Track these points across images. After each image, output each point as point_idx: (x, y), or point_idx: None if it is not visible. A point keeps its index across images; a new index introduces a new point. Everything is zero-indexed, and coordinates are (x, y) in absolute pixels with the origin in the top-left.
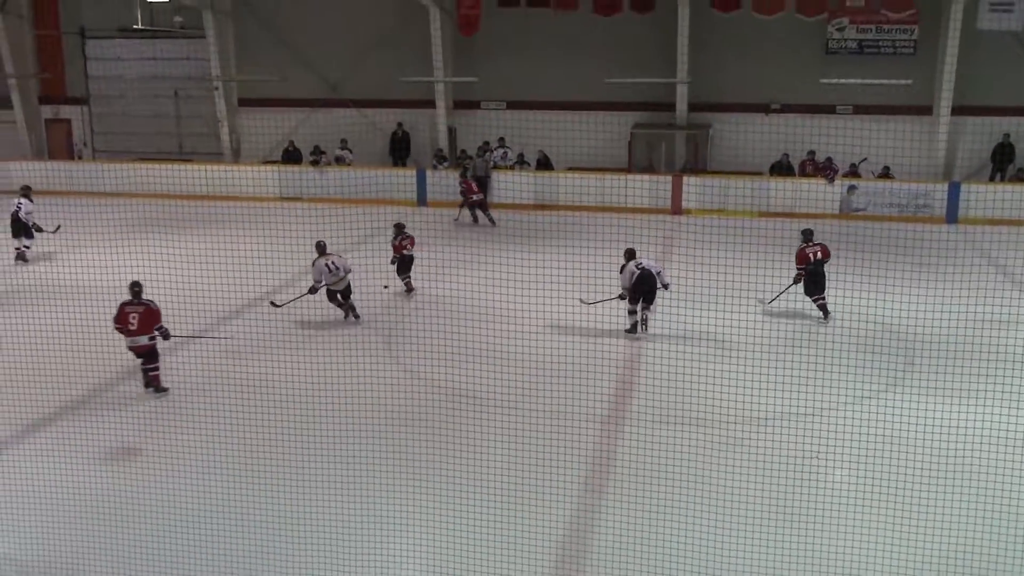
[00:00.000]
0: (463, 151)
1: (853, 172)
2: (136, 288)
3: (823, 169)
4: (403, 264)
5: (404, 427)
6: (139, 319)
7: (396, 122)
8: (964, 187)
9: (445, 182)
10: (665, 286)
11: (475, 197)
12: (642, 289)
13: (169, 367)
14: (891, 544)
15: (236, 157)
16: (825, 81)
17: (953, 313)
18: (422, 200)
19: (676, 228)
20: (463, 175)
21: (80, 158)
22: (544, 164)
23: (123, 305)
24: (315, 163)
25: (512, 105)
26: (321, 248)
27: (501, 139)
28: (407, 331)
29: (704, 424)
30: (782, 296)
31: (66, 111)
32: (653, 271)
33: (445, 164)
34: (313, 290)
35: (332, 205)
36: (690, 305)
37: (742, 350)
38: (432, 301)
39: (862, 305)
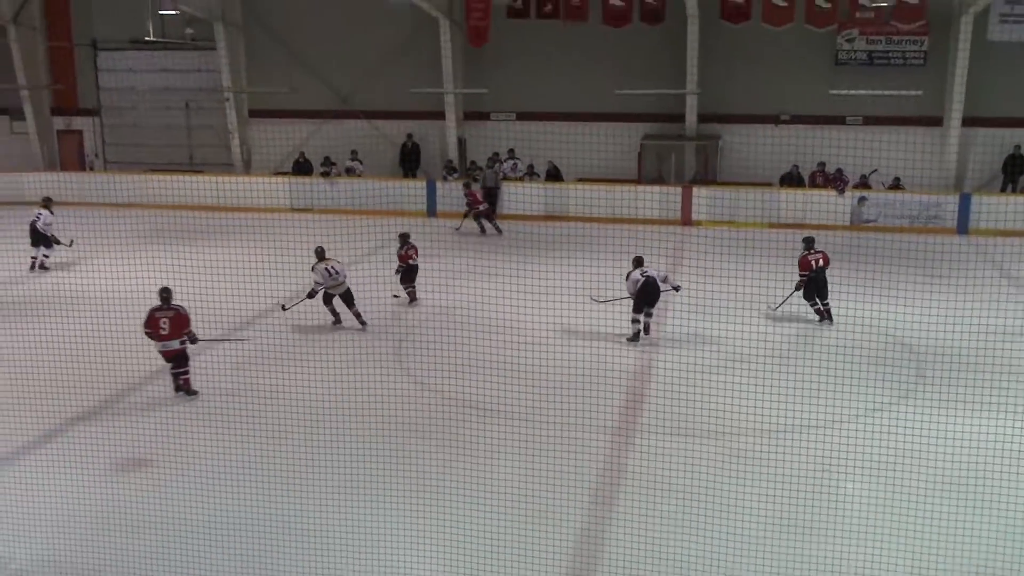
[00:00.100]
0: (473, 162)
1: (863, 183)
2: (165, 294)
3: (833, 180)
4: (408, 273)
5: (414, 438)
6: (170, 324)
7: (406, 133)
8: (975, 198)
9: (455, 193)
10: (676, 288)
11: (481, 207)
12: (646, 297)
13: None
14: (904, 556)
15: (247, 168)
16: (835, 92)
17: (964, 324)
18: (432, 211)
19: (686, 239)
20: (467, 185)
21: (92, 169)
22: (554, 175)
23: (153, 311)
24: (325, 174)
25: (522, 116)
26: (320, 253)
27: (511, 150)
28: (417, 342)
29: (715, 436)
30: (791, 303)
31: (78, 122)
32: (657, 279)
33: (455, 175)
34: (312, 294)
35: (342, 216)
36: (701, 316)
37: (753, 361)
38: (442, 312)
39: (873, 317)
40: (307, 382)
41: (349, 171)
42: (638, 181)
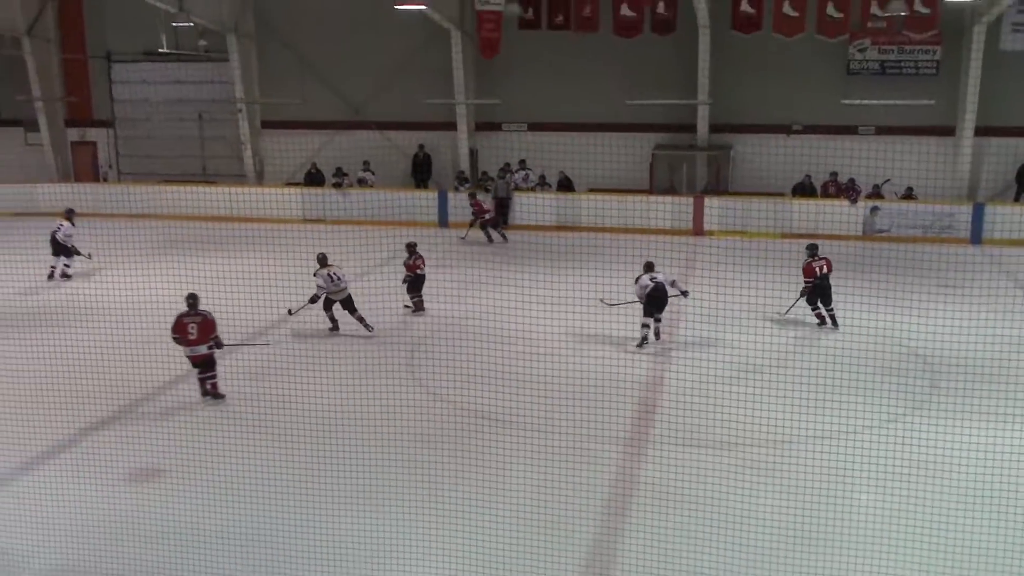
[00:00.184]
0: (484, 172)
1: (876, 193)
2: (192, 300)
3: (846, 190)
4: (416, 283)
5: (426, 448)
6: (198, 328)
7: (418, 144)
8: (988, 208)
9: (466, 204)
10: (683, 293)
11: (486, 216)
12: (654, 302)
13: (193, 386)
14: (918, 568)
15: (259, 179)
16: (847, 102)
17: (978, 334)
18: (443, 222)
19: (698, 250)
20: (472, 195)
21: (106, 180)
22: (565, 185)
23: (180, 316)
24: (337, 185)
25: (533, 127)
26: (322, 260)
27: (522, 161)
28: (429, 352)
29: (727, 446)
30: (799, 311)
31: (92, 134)
32: (666, 284)
33: (467, 186)
34: (315, 298)
35: (355, 227)
36: (713, 326)
37: (765, 371)
38: (454, 322)
39: (886, 327)
40: (319, 391)
41: (361, 182)
42: (650, 191)
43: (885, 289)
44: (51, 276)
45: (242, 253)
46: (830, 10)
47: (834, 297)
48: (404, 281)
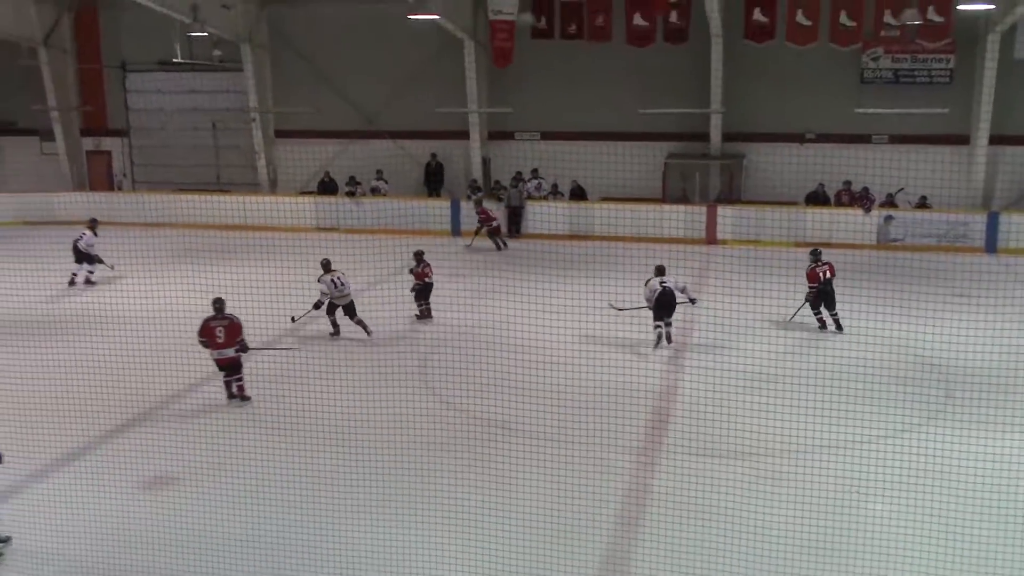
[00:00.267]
0: (497, 181)
1: (890, 202)
2: (219, 304)
3: (859, 199)
4: (424, 291)
5: (438, 456)
6: (225, 332)
7: (430, 153)
8: (1003, 217)
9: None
10: (692, 300)
11: (493, 223)
12: (662, 306)
13: (207, 394)
14: None
15: (273, 188)
16: (860, 111)
17: (993, 344)
18: (456, 230)
19: (711, 258)
20: (478, 202)
21: (120, 189)
22: (578, 194)
23: (207, 320)
24: (351, 194)
25: (546, 136)
26: (326, 265)
27: (534, 170)
28: (442, 360)
29: (740, 456)
30: (809, 320)
31: (107, 143)
32: (675, 289)
33: (480, 194)
34: (319, 304)
35: (368, 236)
36: (726, 335)
37: (778, 381)
38: (467, 330)
39: (899, 336)
40: (332, 399)
41: (374, 191)
42: (663, 200)
43: (899, 298)
44: (72, 283)
45: (256, 262)
46: (843, 19)
47: (848, 306)
48: (412, 289)
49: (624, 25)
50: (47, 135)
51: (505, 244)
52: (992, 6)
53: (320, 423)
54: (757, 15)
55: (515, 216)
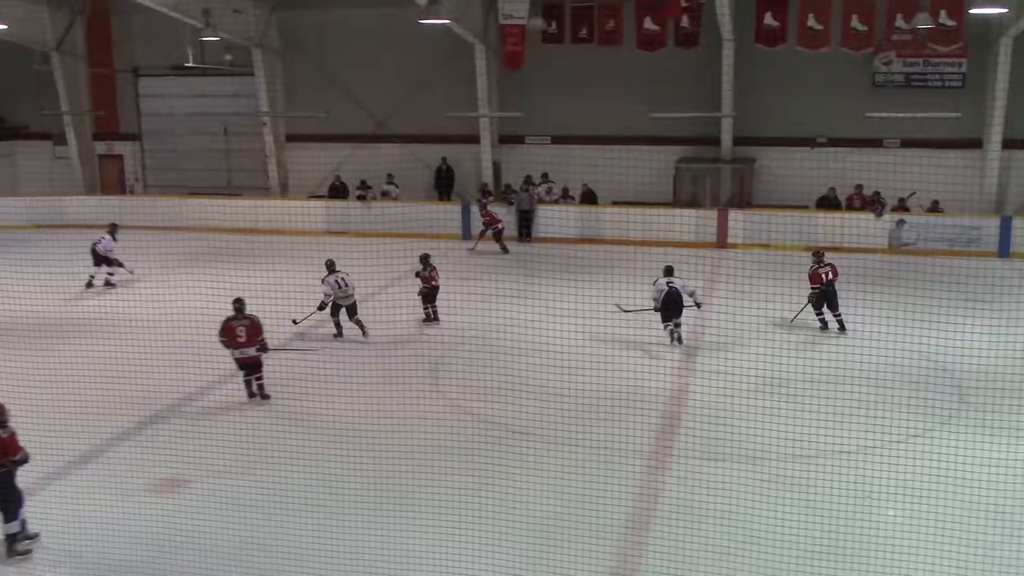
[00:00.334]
0: (507, 185)
1: (901, 206)
2: (239, 304)
3: (871, 203)
4: (430, 294)
5: (448, 459)
6: (247, 331)
7: (441, 157)
8: (1017, 221)
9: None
10: (698, 305)
11: (499, 227)
12: (670, 308)
13: (217, 397)
14: None
15: (284, 191)
16: (872, 115)
17: (1007, 349)
18: (466, 234)
19: (721, 262)
20: (483, 205)
21: (132, 192)
22: (589, 198)
23: (228, 320)
24: (361, 198)
25: (557, 140)
26: (331, 266)
27: (544, 175)
28: (452, 364)
29: (751, 460)
30: (812, 321)
31: (119, 147)
32: (683, 291)
33: (490, 198)
34: (323, 305)
35: (378, 239)
36: (736, 339)
37: (789, 385)
38: (477, 334)
39: (911, 341)
40: (342, 402)
41: (385, 194)
42: (673, 204)
43: (911, 302)
44: (89, 285)
45: (267, 264)
46: (855, 23)
47: (861, 310)
48: (420, 293)
49: (634, 29)
50: (60, 139)
51: (506, 249)
52: (1005, 10)
53: (330, 426)
54: (768, 19)
55: (525, 220)
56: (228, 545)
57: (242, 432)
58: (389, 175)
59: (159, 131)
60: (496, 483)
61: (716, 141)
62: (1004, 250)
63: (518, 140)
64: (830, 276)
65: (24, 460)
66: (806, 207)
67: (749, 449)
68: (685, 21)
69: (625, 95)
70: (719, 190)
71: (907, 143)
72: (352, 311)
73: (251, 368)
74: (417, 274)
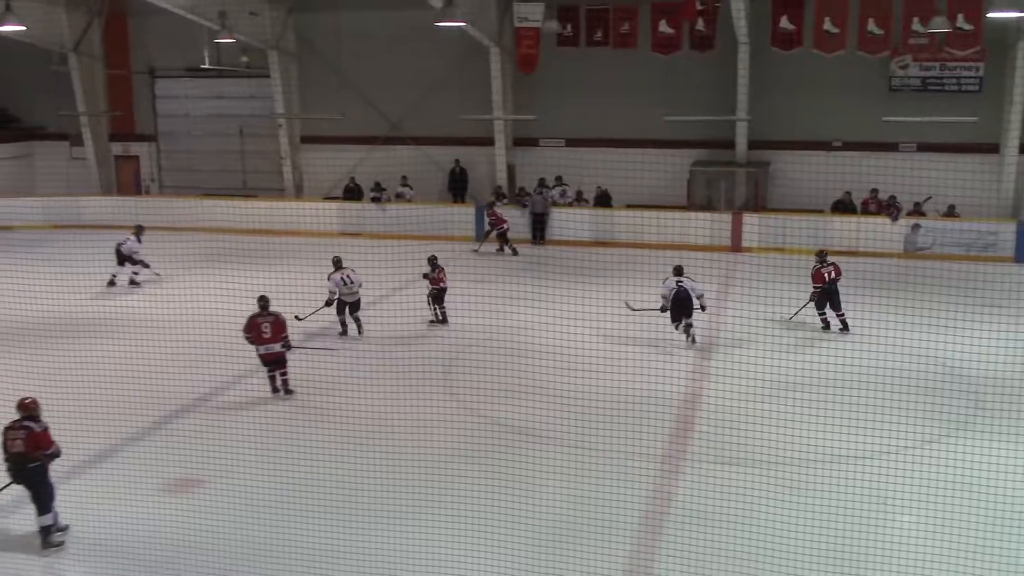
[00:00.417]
0: (522, 188)
1: (917, 211)
2: (264, 301)
3: (886, 207)
4: (439, 295)
5: (461, 462)
6: (272, 327)
7: (454, 159)
8: None
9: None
10: (702, 308)
11: (505, 227)
12: (678, 307)
13: (229, 399)
14: None
15: (299, 193)
16: (888, 119)
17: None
18: (479, 236)
19: (737, 265)
20: (490, 205)
21: (147, 193)
22: (604, 200)
23: (253, 317)
24: (376, 199)
25: (571, 142)
26: (337, 263)
27: (558, 177)
28: (464, 366)
29: (764, 465)
30: (814, 319)
31: (135, 148)
32: (692, 292)
33: (504, 201)
34: (329, 302)
35: (392, 241)
36: (750, 342)
37: (803, 389)
38: (489, 336)
39: (927, 346)
40: (355, 404)
41: (399, 196)
42: (688, 207)
43: (927, 308)
44: (111, 283)
45: (282, 265)
46: (871, 27)
47: (875, 314)
48: (429, 295)
49: (650, 32)
50: (76, 140)
51: (508, 250)
52: (1023, 14)
53: (342, 428)
54: (784, 23)
55: (539, 222)
56: (238, 546)
57: (253, 433)
58: (403, 177)
59: (175, 132)
60: (509, 486)
61: (731, 144)
62: (1021, 255)
63: (532, 143)
64: (833, 275)
65: (57, 454)
66: (821, 211)
67: (763, 453)
68: (700, 24)
69: (640, 98)
70: (734, 194)
71: (923, 147)
72: (355, 308)
73: (275, 364)
74: (425, 276)
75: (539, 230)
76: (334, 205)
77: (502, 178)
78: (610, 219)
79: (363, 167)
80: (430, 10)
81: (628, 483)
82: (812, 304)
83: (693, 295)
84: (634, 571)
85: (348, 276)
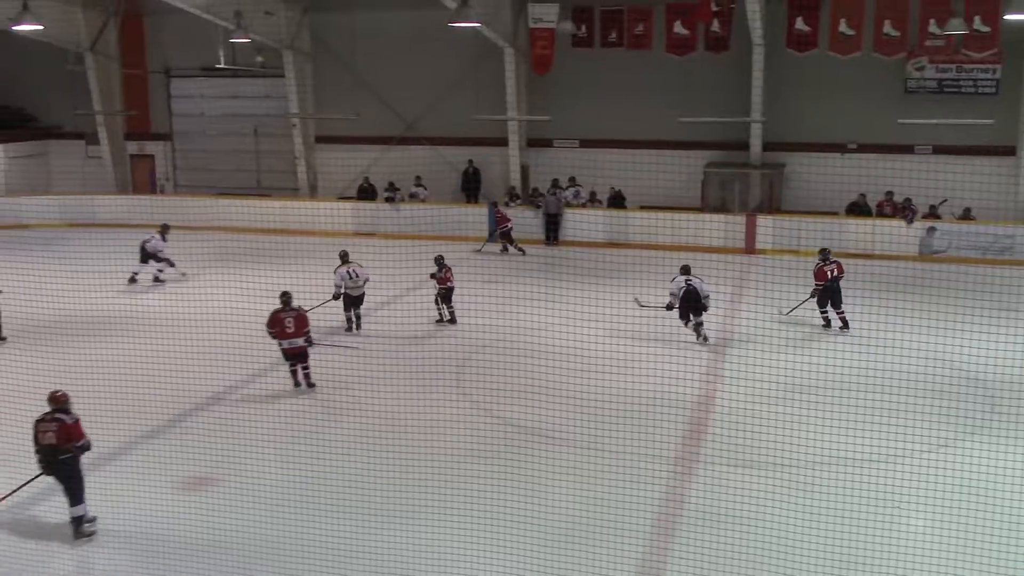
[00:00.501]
0: (535, 189)
1: (933, 213)
2: (286, 297)
3: (901, 210)
4: (447, 295)
5: (473, 462)
6: (295, 323)
7: (468, 160)
8: None
9: (516, 218)
10: (705, 308)
11: (508, 227)
12: (688, 305)
13: (246, 394)
14: None
15: (313, 193)
16: (904, 121)
17: None
18: (492, 236)
19: (751, 267)
20: (495, 204)
21: (162, 192)
22: (618, 202)
23: (276, 312)
24: (390, 199)
25: (585, 143)
26: (344, 256)
27: (572, 179)
28: (476, 366)
29: (777, 467)
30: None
31: (150, 147)
32: (700, 291)
33: (518, 201)
34: (336, 296)
35: (406, 241)
36: (763, 344)
37: (816, 391)
38: (501, 336)
39: (942, 349)
40: (367, 404)
41: (413, 196)
42: (702, 209)
43: (942, 311)
44: (132, 280)
45: (295, 265)
46: (887, 28)
47: (890, 317)
48: (437, 295)
49: (664, 33)
50: (92, 139)
51: (515, 250)
52: None
53: (356, 426)
54: (799, 24)
55: (553, 223)
56: (253, 543)
57: (269, 430)
58: (417, 177)
59: (190, 132)
60: (521, 486)
61: (745, 146)
62: None
63: (546, 143)
64: (835, 273)
65: (87, 447)
66: (836, 213)
67: (776, 456)
68: (715, 25)
69: (654, 99)
70: (748, 195)
71: (939, 150)
72: (358, 302)
73: (298, 358)
74: (432, 276)
75: (552, 231)
76: (348, 205)
77: (516, 179)
78: (624, 220)
79: (377, 167)
80: (444, 10)
81: (640, 485)
82: (813, 301)
83: (701, 294)
84: (646, 573)
85: (354, 270)
